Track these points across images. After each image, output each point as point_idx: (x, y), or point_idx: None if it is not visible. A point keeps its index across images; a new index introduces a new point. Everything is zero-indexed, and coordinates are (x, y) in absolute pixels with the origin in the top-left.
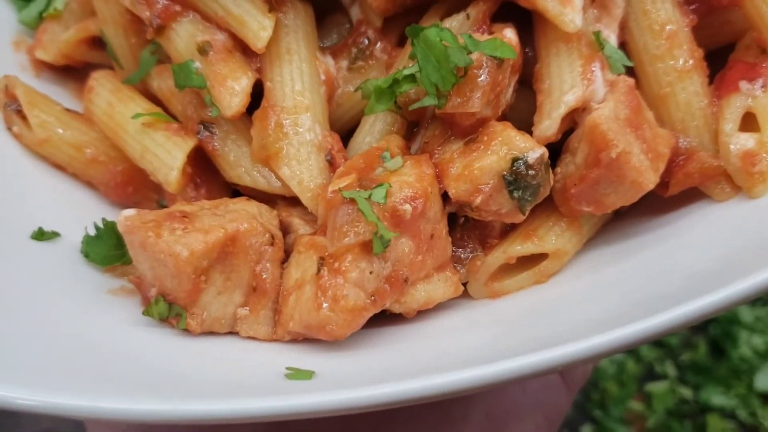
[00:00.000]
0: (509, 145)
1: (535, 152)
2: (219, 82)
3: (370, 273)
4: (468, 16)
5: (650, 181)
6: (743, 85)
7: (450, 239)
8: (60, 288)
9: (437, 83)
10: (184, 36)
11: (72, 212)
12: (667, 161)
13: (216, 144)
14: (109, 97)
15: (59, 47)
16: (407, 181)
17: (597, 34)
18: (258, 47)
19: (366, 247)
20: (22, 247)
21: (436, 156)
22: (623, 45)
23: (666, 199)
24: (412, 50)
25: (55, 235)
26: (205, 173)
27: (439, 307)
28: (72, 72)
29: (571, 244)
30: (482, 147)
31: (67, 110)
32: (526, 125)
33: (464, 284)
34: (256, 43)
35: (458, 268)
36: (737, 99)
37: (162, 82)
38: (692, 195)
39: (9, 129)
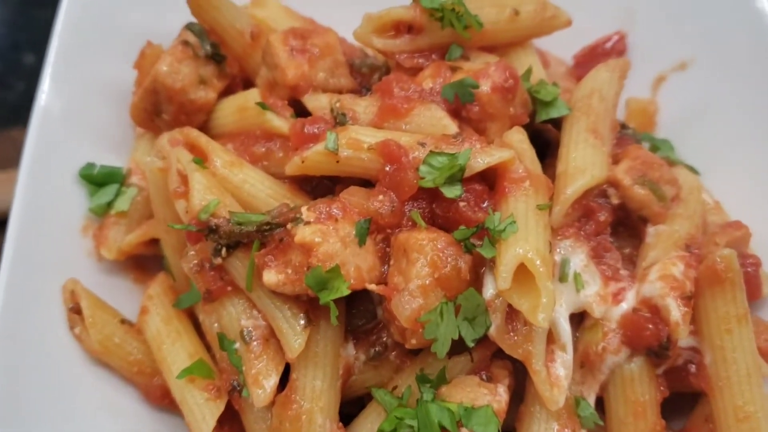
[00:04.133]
0: None
1: None
2: (253, 377)
3: None
4: (472, 359)
5: None
6: None
7: None
8: None
9: None
10: (232, 314)
11: (116, 419)
12: None
13: (243, 405)
14: (160, 326)
15: (121, 247)
16: None
17: (577, 400)
18: (289, 357)
19: None
20: None
21: None
22: (600, 399)
23: None
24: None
25: None
26: (231, 415)
27: None
28: (132, 260)
29: None
30: None
31: (123, 322)
32: None
33: None
34: (288, 353)
35: None
36: None
37: (207, 320)
38: None
39: (71, 329)
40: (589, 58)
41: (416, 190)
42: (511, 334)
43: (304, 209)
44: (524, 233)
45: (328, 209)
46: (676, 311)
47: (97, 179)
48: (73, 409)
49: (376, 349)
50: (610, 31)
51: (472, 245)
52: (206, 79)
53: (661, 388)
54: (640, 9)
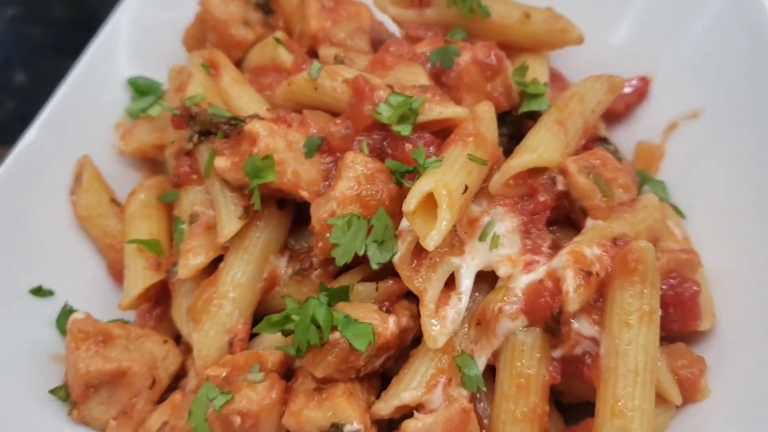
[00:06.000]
0: (336, 411)
1: (352, 426)
2: (185, 252)
3: None
4: (377, 289)
5: None
6: None
7: None
8: (22, 346)
9: (299, 341)
10: (190, 199)
11: (79, 280)
12: None
13: (176, 285)
14: (137, 208)
15: (138, 145)
16: (251, 399)
17: (462, 355)
18: (220, 240)
19: None
20: (20, 298)
21: (298, 382)
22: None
23: None
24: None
25: (50, 293)
26: (166, 296)
27: None
28: (147, 162)
29: None
30: (319, 401)
31: (113, 201)
32: None
33: None
34: (220, 236)
35: None
36: None
37: (175, 211)
38: None
39: (71, 195)
40: None
41: (371, 122)
42: (414, 266)
43: (264, 108)
44: (444, 170)
45: (285, 115)
46: (570, 281)
47: (141, 88)
48: (55, 261)
49: (303, 264)
50: (636, 74)
51: (401, 178)
52: (250, 23)
53: (553, 372)
54: (666, 56)
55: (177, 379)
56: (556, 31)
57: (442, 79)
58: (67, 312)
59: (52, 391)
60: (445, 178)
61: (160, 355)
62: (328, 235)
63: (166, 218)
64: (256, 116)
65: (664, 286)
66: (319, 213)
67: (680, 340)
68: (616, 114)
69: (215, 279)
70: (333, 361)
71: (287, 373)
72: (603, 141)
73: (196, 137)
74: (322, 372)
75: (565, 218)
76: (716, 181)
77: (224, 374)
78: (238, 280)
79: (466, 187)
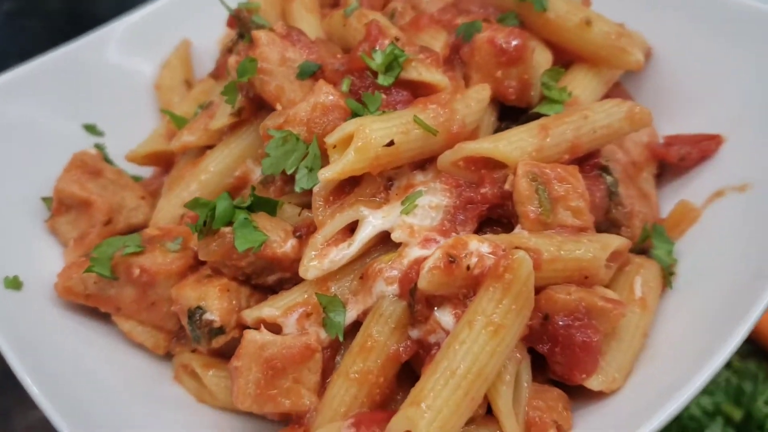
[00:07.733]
0: (205, 297)
1: (210, 315)
2: (183, 129)
3: (94, 283)
4: (299, 214)
5: (240, 402)
6: None
7: (177, 319)
8: (50, 158)
9: (199, 223)
10: (215, 91)
11: (132, 134)
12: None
13: (176, 159)
14: (196, 92)
15: None
16: (155, 260)
17: (331, 297)
18: (209, 127)
19: None
20: (73, 127)
21: (203, 267)
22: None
23: None
24: None
25: (100, 134)
26: None
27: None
28: None
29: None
30: (200, 284)
31: (187, 81)
32: None
33: None
34: (210, 124)
35: (175, 341)
36: None
37: None
38: None
39: (161, 67)
40: (677, 141)
41: (362, 64)
42: (328, 201)
43: (280, 23)
44: (378, 119)
45: (295, 34)
46: (431, 260)
47: None
48: (120, 114)
49: (268, 177)
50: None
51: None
52: None
53: (402, 350)
54: (746, 122)
55: None
56: (613, 48)
57: (459, 52)
58: (100, 150)
59: (44, 199)
60: (374, 125)
61: (130, 204)
62: (266, 143)
63: None
64: (272, 29)
65: (560, 322)
66: (267, 122)
67: (577, 393)
68: (668, 162)
69: (198, 161)
70: (215, 250)
71: None
72: (602, 169)
73: (236, 38)
74: (204, 256)
75: (509, 222)
76: (724, 266)
77: (154, 234)
78: (210, 169)
79: (392, 142)
